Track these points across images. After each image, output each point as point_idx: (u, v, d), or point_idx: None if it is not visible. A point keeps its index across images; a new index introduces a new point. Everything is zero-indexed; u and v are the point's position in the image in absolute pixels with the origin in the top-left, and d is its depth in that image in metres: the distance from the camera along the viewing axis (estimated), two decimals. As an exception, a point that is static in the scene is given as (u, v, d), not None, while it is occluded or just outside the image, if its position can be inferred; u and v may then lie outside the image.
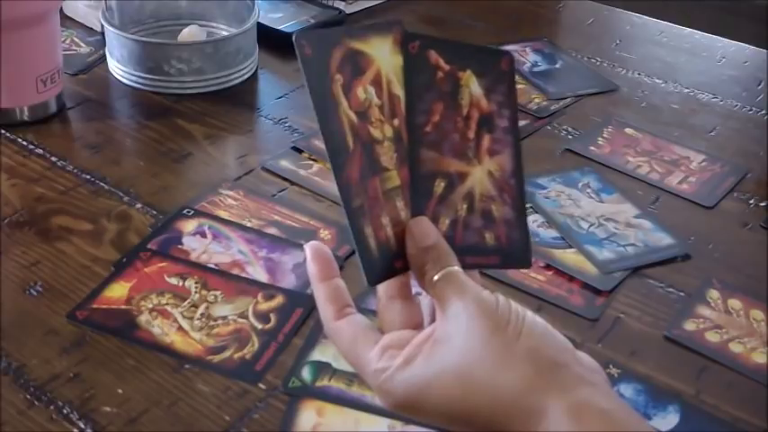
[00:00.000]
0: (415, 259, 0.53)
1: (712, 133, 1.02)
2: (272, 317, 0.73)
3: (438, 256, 0.53)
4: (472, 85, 0.56)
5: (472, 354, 0.50)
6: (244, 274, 0.77)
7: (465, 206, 0.55)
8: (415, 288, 0.54)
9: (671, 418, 0.67)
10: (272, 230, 0.82)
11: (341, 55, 0.52)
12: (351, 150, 0.52)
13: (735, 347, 0.73)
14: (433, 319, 0.53)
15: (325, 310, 0.54)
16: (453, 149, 0.55)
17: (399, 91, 0.54)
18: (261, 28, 1.08)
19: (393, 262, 0.54)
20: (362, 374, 0.54)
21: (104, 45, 1.07)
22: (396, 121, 0.54)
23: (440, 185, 0.55)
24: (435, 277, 0.52)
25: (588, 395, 0.49)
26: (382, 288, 0.55)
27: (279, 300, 0.74)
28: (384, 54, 0.53)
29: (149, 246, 0.79)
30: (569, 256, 0.81)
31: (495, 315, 0.50)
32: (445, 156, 0.55)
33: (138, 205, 0.85)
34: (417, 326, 0.55)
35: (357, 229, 0.52)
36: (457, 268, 0.53)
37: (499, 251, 0.56)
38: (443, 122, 0.55)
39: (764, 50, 1.19)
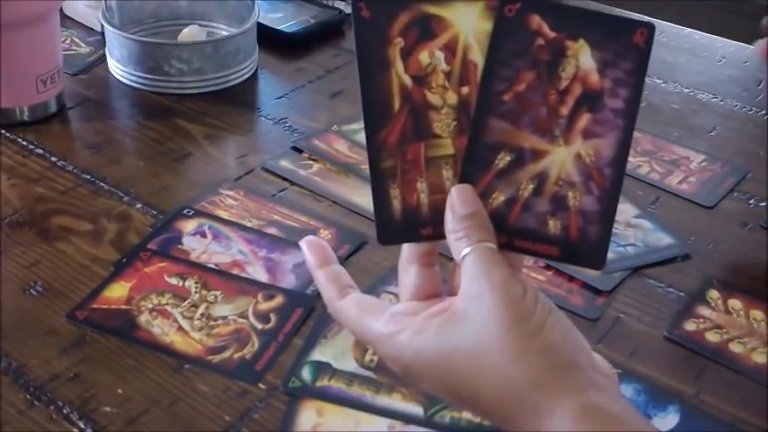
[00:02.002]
0: (449, 227, 0.51)
1: (712, 133, 1.02)
2: (272, 317, 0.73)
3: (473, 229, 0.51)
4: (582, 57, 0.51)
5: (488, 341, 0.49)
6: (244, 274, 0.77)
7: (531, 186, 0.52)
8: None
9: (671, 418, 0.67)
10: (272, 230, 0.82)
11: (409, 18, 0.51)
12: (394, 113, 0.52)
13: (735, 347, 0.73)
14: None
15: (327, 292, 0.54)
16: (534, 124, 0.51)
17: (479, 58, 0.52)
18: (261, 28, 1.08)
19: (419, 228, 0.53)
20: (371, 344, 0.53)
21: (104, 45, 1.07)
22: (465, 90, 0.52)
23: (503, 159, 0.52)
24: (466, 250, 0.50)
25: (597, 399, 0.48)
26: (404, 250, 0.55)
27: (279, 300, 0.74)
28: (468, 19, 0.51)
29: (149, 246, 0.79)
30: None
31: (519, 305, 0.49)
32: (521, 129, 0.51)
33: (138, 205, 0.85)
34: (431, 296, 0.54)
35: (378, 188, 0.52)
36: (490, 245, 0.51)
37: (562, 243, 0.52)
38: (529, 93, 0.51)
39: (764, 50, 1.19)
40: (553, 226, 0.52)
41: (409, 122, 0.52)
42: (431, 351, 0.50)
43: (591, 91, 0.51)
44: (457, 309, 0.50)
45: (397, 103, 0.52)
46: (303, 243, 0.56)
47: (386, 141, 0.52)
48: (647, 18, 0.53)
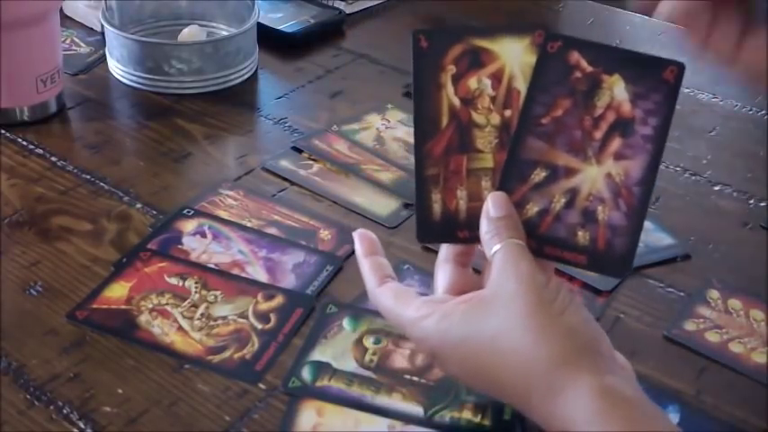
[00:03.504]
0: (483, 228, 0.56)
1: (712, 133, 1.02)
2: (272, 317, 0.73)
3: (504, 228, 0.55)
4: (616, 89, 0.57)
5: (512, 322, 0.52)
6: (244, 274, 0.77)
7: (563, 200, 0.57)
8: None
9: (671, 417, 0.66)
10: (272, 230, 0.82)
11: (461, 50, 0.58)
12: (442, 128, 0.58)
13: (735, 347, 0.73)
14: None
15: (369, 279, 0.60)
16: (569, 144, 0.56)
17: (522, 86, 0.58)
18: (261, 28, 1.08)
19: (456, 230, 0.59)
20: (402, 328, 0.58)
21: (104, 45, 1.07)
22: (507, 112, 0.58)
23: (539, 174, 0.57)
24: (497, 246, 0.55)
25: (615, 382, 0.50)
26: (442, 250, 0.61)
27: (279, 300, 0.74)
28: (514, 52, 0.58)
29: (149, 246, 0.79)
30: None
31: (542, 291, 0.52)
32: (557, 148, 0.57)
33: (138, 205, 0.85)
34: (463, 293, 0.57)
35: (421, 192, 0.59)
36: (519, 242, 0.55)
37: (590, 252, 0.57)
38: (565, 118, 0.57)
39: (764, 50, 1.19)
40: (582, 237, 0.57)
41: (455, 137, 0.58)
42: (455, 334, 0.53)
43: (623, 118, 0.56)
44: (484, 295, 0.54)
45: (445, 120, 0.58)
46: (355, 234, 0.62)
47: (432, 151, 0.58)
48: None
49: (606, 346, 0.53)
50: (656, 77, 0.56)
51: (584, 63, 0.56)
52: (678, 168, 0.95)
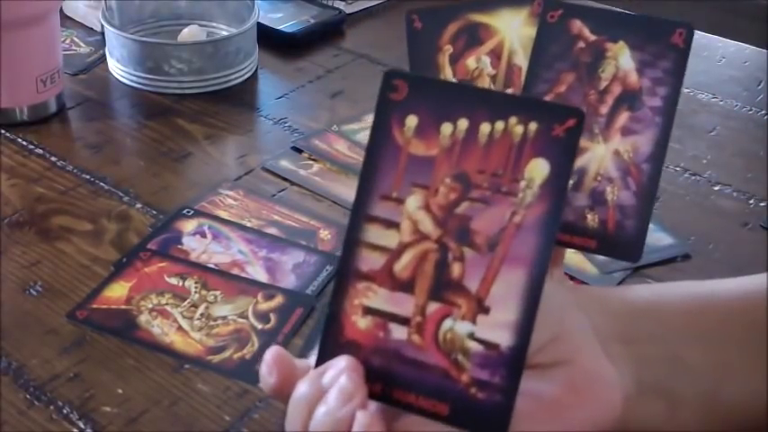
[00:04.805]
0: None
1: (712, 133, 1.02)
2: (272, 317, 0.73)
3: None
4: (621, 58, 0.53)
5: None
6: (244, 274, 0.77)
7: (570, 182, 0.52)
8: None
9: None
10: (272, 230, 0.82)
11: (457, 27, 0.55)
12: None
13: (735, 347, 0.73)
14: None
15: None
16: None
17: (523, 62, 0.55)
18: (261, 28, 1.08)
19: None
20: None
21: (104, 45, 1.07)
22: (509, 91, 0.55)
23: None
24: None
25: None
26: None
27: (279, 300, 0.74)
28: (513, 26, 0.55)
29: (149, 246, 0.79)
30: (569, 256, 0.80)
31: None
32: None
33: (138, 205, 0.85)
34: None
35: None
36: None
37: (600, 236, 0.54)
38: (570, 94, 0.54)
39: (764, 50, 1.19)
40: (591, 220, 0.54)
41: None
42: None
43: (630, 90, 0.53)
44: None
45: None
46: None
47: None
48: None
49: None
50: (664, 42, 0.53)
51: (586, 32, 0.53)
52: (678, 168, 0.95)
